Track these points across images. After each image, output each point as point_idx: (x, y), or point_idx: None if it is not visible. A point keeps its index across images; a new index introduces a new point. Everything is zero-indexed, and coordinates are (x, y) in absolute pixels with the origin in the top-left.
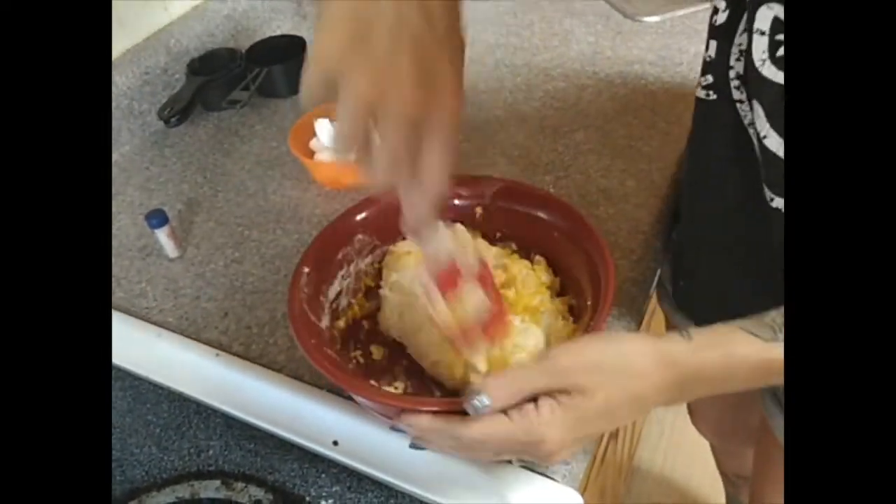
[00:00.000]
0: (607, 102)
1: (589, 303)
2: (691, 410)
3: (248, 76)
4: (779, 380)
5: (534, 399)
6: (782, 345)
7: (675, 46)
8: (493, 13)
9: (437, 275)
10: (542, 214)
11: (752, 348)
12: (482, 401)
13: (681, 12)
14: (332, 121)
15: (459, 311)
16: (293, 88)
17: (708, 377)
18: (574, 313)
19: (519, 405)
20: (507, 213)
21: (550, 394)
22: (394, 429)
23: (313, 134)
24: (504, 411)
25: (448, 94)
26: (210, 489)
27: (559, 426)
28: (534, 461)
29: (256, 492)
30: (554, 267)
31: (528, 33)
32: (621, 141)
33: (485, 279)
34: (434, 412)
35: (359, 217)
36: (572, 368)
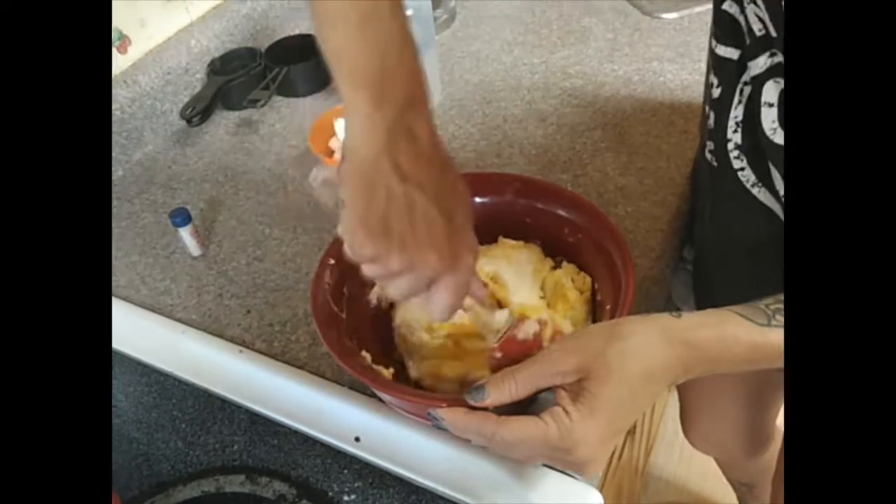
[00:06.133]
0: (625, 100)
1: (608, 306)
2: (686, 428)
3: (267, 76)
4: (771, 365)
5: (539, 393)
6: (776, 330)
7: (693, 43)
8: (511, 10)
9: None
10: (562, 212)
11: (745, 330)
12: (481, 393)
13: (699, 9)
14: None
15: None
16: (312, 87)
17: (705, 354)
18: (593, 311)
19: (550, 413)
20: (529, 210)
21: (564, 396)
22: (429, 415)
23: (333, 133)
24: (539, 416)
25: (460, 258)
26: (235, 483)
27: (589, 426)
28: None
29: (280, 486)
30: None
31: (546, 31)
32: (639, 138)
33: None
34: (469, 408)
35: None
36: (572, 356)
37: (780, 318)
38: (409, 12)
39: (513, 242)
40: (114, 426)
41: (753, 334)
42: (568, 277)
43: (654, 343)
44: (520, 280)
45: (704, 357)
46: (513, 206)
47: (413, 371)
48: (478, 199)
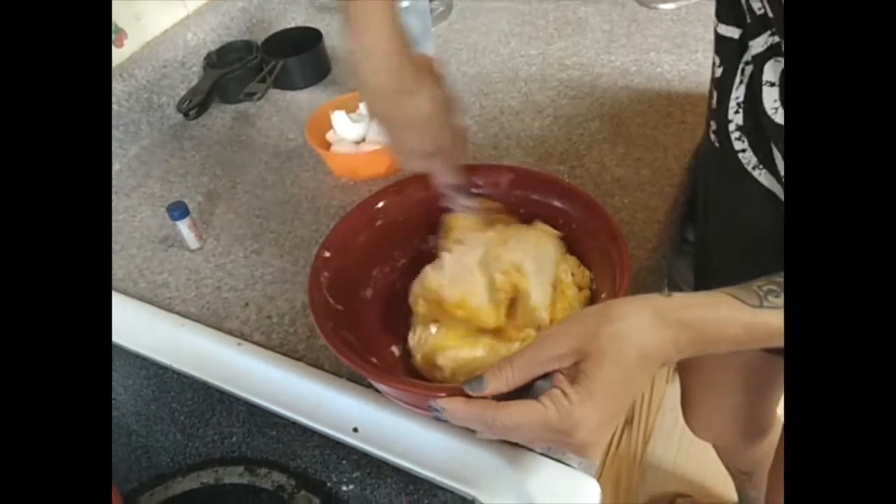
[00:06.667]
0: (622, 91)
1: (604, 295)
2: (687, 415)
3: (264, 69)
4: (762, 346)
5: (536, 380)
6: (767, 311)
7: (690, 34)
8: (507, 2)
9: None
10: (558, 203)
11: (738, 311)
12: (480, 383)
13: None
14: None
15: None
16: (309, 80)
17: (698, 334)
18: (590, 302)
19: (546, 397)
20: (524, 201)
21: (561, 379)
22: (430, 406)
23: (329, 126)
24: (538, 399)
25: (454, 151)
26: (234, 475)
27: (588, 407)
28: (567, 453)
29: (279, 477)
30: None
31: (542, 22)
32: (636, 130)
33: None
34: (467, 397)
35: (380, 205)
36: (567, 339)
37: (773, 300)
38: (405, 4)
39: (548, 229)
40: (113, 419)
41: (746, 315)
42: (568, 273)
43: (646, 324)
44: (539, 274)
45: (697, 337)
46: (508, 198)
47: (413, 341)
48: (473, 191)
